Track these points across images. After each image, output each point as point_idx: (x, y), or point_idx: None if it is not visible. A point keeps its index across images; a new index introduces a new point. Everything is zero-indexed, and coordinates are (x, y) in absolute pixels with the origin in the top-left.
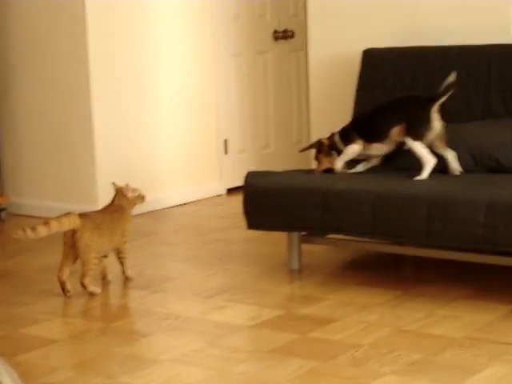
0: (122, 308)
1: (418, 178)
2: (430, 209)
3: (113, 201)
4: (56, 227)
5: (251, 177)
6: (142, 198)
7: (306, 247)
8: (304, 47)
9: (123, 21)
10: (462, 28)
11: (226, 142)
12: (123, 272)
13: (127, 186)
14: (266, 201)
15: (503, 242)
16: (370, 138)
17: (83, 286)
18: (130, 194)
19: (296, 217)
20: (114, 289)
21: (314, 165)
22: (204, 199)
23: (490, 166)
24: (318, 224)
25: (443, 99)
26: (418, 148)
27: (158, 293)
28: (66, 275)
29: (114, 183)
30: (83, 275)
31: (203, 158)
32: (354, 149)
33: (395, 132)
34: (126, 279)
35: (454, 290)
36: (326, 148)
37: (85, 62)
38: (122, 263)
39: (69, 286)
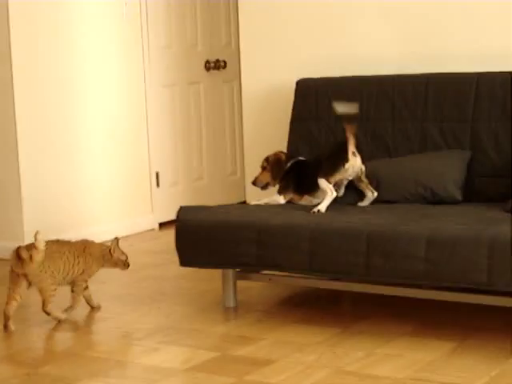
0: (48, 352)
1: (316, 209)
2: (369, 243)
3: (93, 244)
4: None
5: (183, 212)
6: (125, 265)
7: (241, 284)
8: (237, 77)
9: (48, 48)
10: (397, 57)
11: (157, 174)
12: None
13: (117, 242)
14: (199, 236)
15: (445, 277)
16: (302, 191)
17: (47, 313)
18: (115, 254)
19: (231, 253)
20: (39, 331)
21: (248, 196)
22: (136, 234)
23: (426, 197)
24: (253, 260)
25: (351, 139)
26: (322, 184)
27: (87, 335)
28: (12, 310)
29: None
30: (43, 303)
31: (135, 192)
32: (278, 200)
33: None
34: (93, 309)
35: (395, 327)
36: (278, 166)
37: (9, 92)
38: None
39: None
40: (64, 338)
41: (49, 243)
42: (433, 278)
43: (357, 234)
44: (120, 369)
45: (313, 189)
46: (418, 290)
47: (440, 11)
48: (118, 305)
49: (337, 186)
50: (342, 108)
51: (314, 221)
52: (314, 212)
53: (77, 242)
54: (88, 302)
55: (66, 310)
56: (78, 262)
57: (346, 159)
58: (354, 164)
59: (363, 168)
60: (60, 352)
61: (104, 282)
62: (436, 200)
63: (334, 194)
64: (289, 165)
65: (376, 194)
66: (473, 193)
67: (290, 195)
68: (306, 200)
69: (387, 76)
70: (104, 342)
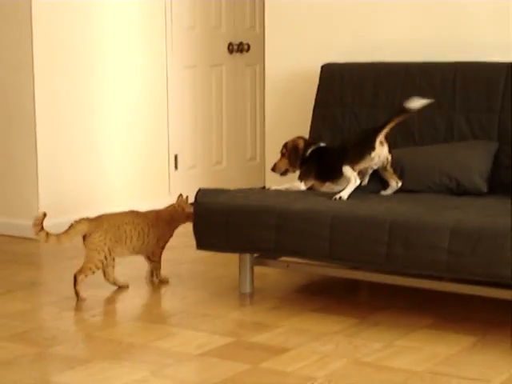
0: (60, 332)
1: (338, 195)
2: (391, 232)
3: (167, 207)
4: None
5: (202, 194)
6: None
7: (258, 270)
8: (259, 61)
9: (71, 30)
10: (425, 44)
11: (176, 157)
12: (155, 276)
13: (187, 198)
14: (217, 220)
15: (467, 269)
16: (324, 178)
17: (75, 280)
18: (187, 209)
19: (249, 238)
20: (52, 311)
21: (268, 182)
22: None
23: (451, 188)
24: (271, 246)
25: (389, 128)
26: (346, 171)
27: (99, 316)
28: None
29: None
30: (80, 270)
31: (152, 173)
32: (299, 187)
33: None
34: (161, 282)
35: (415, 319)
36: (295, 152)
37: (30, 73)
38: (152, 268)
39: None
40: (77, 318)
41: (122, 214)
42: (455, 270)
43: (379, 222)
44: (132, 352)
45: (335, 176)
46: (439, 283)
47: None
48: (132, 287)
49: (361, 175)
50: (415, 104)
51: (335, 207)
52: (335, 199)
53: (149, 212)
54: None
55: (150, 280)
56: (152, 232)
57: (372, 148)
58: (381, 153)
59: (389, 158)
60: (72, 332)
61: (119, 264)
62: (461, 191)
63: (358, 181)
64: (309, 151)
65: (400, 183)
66: (499, 184)
67: (312, 182)
68: (327, 187)
69: (414, 63)
70: (117, 325)
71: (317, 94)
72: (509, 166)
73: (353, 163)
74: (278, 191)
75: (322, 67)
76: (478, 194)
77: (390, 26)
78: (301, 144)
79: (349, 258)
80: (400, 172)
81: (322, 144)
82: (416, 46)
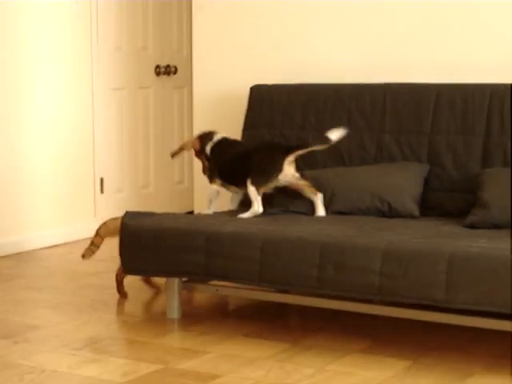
0: None
1: (240, 215)
2: (323, 255)
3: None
4: (105, 233)
5: (129, 217)
6: None
7: (186, 294)
8: (187, 84)
9: None
10: (354, 65)
11: (102, 180)
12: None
13: None
14: (144, 243)
15: (400, 292)
16: (228, 181)
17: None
18: None
19: (177, 261)
20: None
21: (197, 207)
22: (77, 241)
23: (383, 211)
24: (200, 270)
25: (302, 152)
26: (251, 192)
27: (22, 343)
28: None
29: None
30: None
31: (77, 197)
32: (212, 189)
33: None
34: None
35: (347, 344)
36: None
37: None
38: None
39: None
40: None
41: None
42: (388, 293)
43: (310, 244)
44: (56, 380)
45: (239, 182)
46: (371, 306)
47: (399, 20)
48: (56, 313)
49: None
50: (335, 135)
51: (266, 229)
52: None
53: None
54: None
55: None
56: None
57: (280, 169)
58: (288, 173)
59: (296, 175)
60: None
61: (43, 290)
62: (392, 214)
63: (261, 210)
64: (209, 148)
65: (320, 194)
66: (430, 207)
67: (219, 181)
68: (233, 190)
69: (343, 84)
70: (40, 351)
71: (246, 116)
72: (439, 188)
73: (258, 185)
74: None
75: (251, 89)
76: (409, 217)
77: (318, 47)
78: (188, 146)
79: (280, 281)
80: (330, 194)
81: (219, 136)
82: (345, 68)
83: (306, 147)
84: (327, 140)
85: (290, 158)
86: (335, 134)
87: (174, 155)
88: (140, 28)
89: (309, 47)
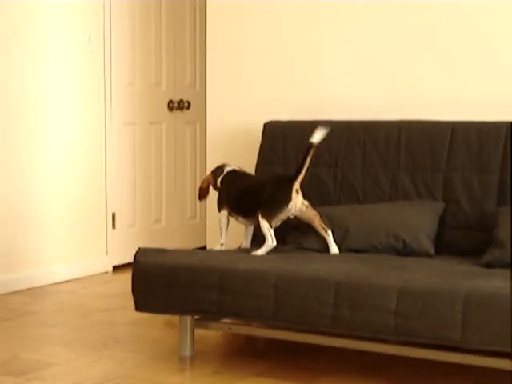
0: None
1: (254, 253)
2: (337, 293)
3: None
4: None
5: (141, 254)
6: None
7: (199, 332)
8: (200, 119)
9: (7, 85)
10: (369, 102)
11: (114, 215)
12: None
13: None
14: (156, 280)
15: (416, 332)
16: (235, 211)
17: None
18: None
19: (190, 299)
20: None
21: (209, 242)
22: (88, 276)
23: (398, 248)
24: (214, 307)
25: (302, 174)
26: (263, 227)
27: (34, 380)
28: None
29: None
30: None
31: (89, 232)
32: (221, 218)
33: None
34: None
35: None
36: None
37: None
38: None
39: None
40: (10, 383)
41: None
42: (403, 332)
43: (325, 283)
44: None
45: (247, 214)
46: (387, 346)
47: (415, 57)
48: (67, 350)
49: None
50: (316, 138)
51: (280, 267)
52: (253, 255)
53: None
54: None
55: None
56: None
57: (289, 198)
58: (297, 202)
59: (306, 202)
60: None
61: (54, 326)
62: (407, 252)
63: (274, 243)
64: (219, 180)
65: (330, 231)
66: (445, 245)
67: (227, 210)
68: (240, 221)
69: (358, 121)
70: None
71: (259, 152)
72: (454, 226)
73: (270, 218)
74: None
75: (265, 125)
76: (425, 255)
77: (333, 83)
78: (204, 184)
79: (293, 319)
80: (344, 230)
81: (229, 167)
82: (360, 104)
83: (302, 167)
84: (310, 145)
85: (296, 186)
86: (316, 137)
87: (200, 199)
88: (153, 63)
89: (322, 83)
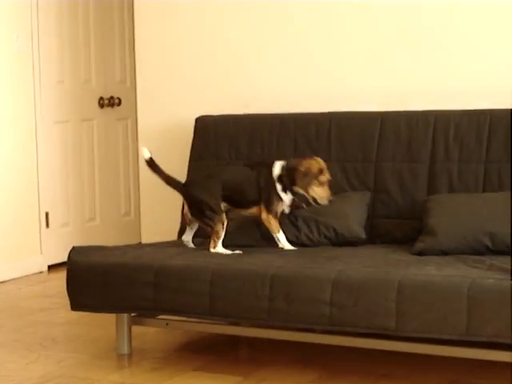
0: None
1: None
2: (272, 286)
3: None
4: None
5: (76, 252)
6: None
7: (136, 329)
8: (131, 115)
9: None
10: (299, 95)
11: (47, 214)
12: None
13: None
14: (91, 279)
15: (351, 322)
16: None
17: None
18: None
19: (126, 297)
20: None
21: (144, 238)
22: (24, 277)
23: (330, 238)
24: (150, 305)
25: None
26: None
27: None
28: None
29: None
30: None
31: (22, 232)
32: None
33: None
34: None
35: (299, 374)
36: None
37: None
38: None
39: None
40: None
41: None
42: (338, 323)
43: (259, 276)
44: None
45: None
46: (322, 336)
47: (342, 49)
48: (4, 352)
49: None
50: None
51: (215, 262)
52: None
53: None
54: None
55: None
56: None
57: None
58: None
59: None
60: None
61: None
62: (340, 241)
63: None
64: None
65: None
66: (378, 234)
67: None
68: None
69: (289, 114)
70: None
71: (192, 147)
72: (386, 215)
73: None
74: (153, 246)
75: (197, 120)
76: (357, 241)
77: (262, 77)
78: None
79: (230, 313)
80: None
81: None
82: (290, 98)
83: None
84: None
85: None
86: None
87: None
88: (82, 61)
89: (252, 78)
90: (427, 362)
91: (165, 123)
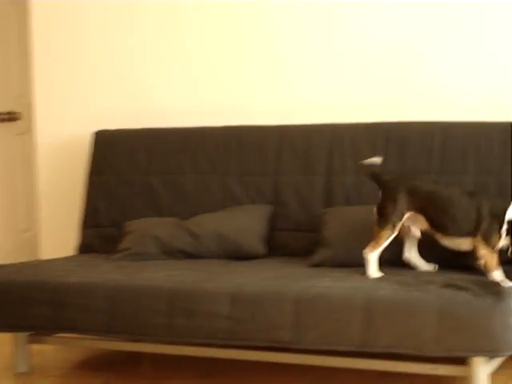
0: None
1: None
2: (170, 302)
3: None
4: None
5: None
6: None
7: (35, 347)
8: (30, 130)
9: None
10: (198, 109)
11: None
12: None
13: None
14: None
15: (249, 335)
16: None
17: None
18: None
19: (22, 315)
20: None
21: (43, 254)
22: None
23: (231, 252)
24: (48, 323)
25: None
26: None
27: None
28: None
29: None
30: None
31: None
32: None
33: None
34: None
35: None
36: None
37: None
38: None
39: None
40: None
41: None
42: (237, 337)
43: (157, 292)
44: None
45: None
46: (222, 350)
47: (239, 63)
48: None
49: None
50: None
51: (113, 279)
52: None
53: None
54: None
55: None
56: None
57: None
58: None
59: None
60: None
61: None
62: (240, 254)
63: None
64: None
65: None
66: (277, 247)
67: None
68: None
69: (188, 128)
70: None
71: (90, 162)
72: (285, 228)
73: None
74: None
75: (95, 134)
76: (256, 256)
77: (160, 92)
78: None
79: (128, 330)
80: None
81: None
82: (189, 112)
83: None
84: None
85: None
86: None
87: None
88: None
89: (150, 92)
90: (327, 374)
91: (63, 138)
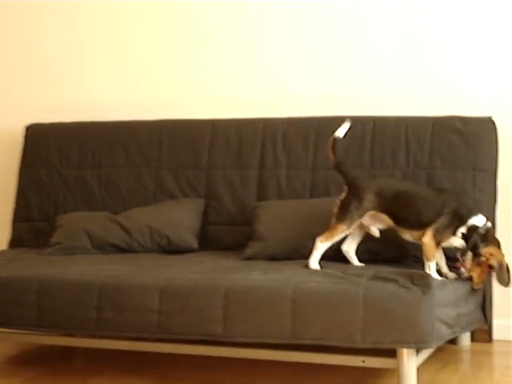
0: None
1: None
2: (100, 296)
3: None
4: None
5: None
6: None
7: None
8: None
9: None
10: (126, 103)
11: None
12: None
13: None
14: None
15: (179, 329)
16: None
17: None
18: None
19: None
20: None
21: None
22: None
23: (163, 245)
24: None
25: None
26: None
27: None
28: None
29: None
30: None
31: None
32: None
33: None
34: None
35: (129, 382)
36: None
37: None
38: None
39: None
40: None
41: None
42: (166, 330)
43: (87, 286)
44: None
45: None
46: (152, 344)
47: (174, 58)
48: None
49: None
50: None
51: (43, 272)
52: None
53: None
54: None
55: None
56: None
57: None
58: None
59: None
60: None
61: None
62: (172, 248)
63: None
64: None
65: None
66: (210, 241)
67: None
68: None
69: (121, 122)
70: None
71: (22, 156)
72: (217, 221)
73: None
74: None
75: (27, 128)
76: (189, 250)
77: (94, 85)
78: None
79: (59, 325)
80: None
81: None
82: (122, 105)
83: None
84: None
85: None
86: (340, 130)
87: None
88: None
89: (84, 85)
90: (258, 366)
91: None
